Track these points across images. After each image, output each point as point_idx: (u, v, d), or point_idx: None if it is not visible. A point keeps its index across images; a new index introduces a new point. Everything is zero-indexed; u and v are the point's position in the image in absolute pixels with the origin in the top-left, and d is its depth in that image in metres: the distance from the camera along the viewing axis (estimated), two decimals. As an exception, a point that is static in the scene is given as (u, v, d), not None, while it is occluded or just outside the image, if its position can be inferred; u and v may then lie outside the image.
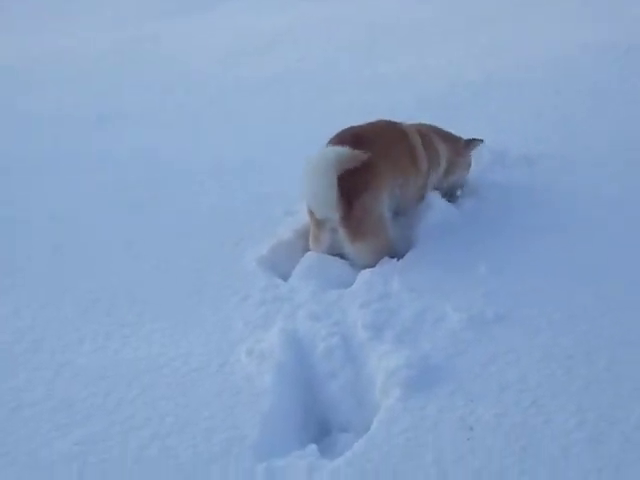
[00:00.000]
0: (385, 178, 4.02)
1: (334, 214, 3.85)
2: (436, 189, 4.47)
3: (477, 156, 4.86)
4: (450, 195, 4.55)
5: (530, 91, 6.13)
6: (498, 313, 3.49)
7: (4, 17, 10.04)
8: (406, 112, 4.60)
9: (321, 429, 3.25)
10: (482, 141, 4.68)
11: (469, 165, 4.67)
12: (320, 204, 3.88)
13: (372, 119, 4.33)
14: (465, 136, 4.65)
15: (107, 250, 4.39)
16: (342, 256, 4.03)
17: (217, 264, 4.14)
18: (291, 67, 7.38)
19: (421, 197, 4.36)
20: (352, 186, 3.82)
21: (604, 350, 3.20)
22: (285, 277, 4.01)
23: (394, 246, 4.05)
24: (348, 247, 3.95)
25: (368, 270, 3.89)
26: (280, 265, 4.13)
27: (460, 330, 3.41)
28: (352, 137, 4.02)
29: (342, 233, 3.91)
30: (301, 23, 8.70)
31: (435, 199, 4.36)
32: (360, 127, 4.22)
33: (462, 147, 4.59)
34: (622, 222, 4.13)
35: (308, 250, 4.13)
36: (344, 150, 3.83)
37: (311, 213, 4.00)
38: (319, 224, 3.99)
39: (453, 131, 4.64)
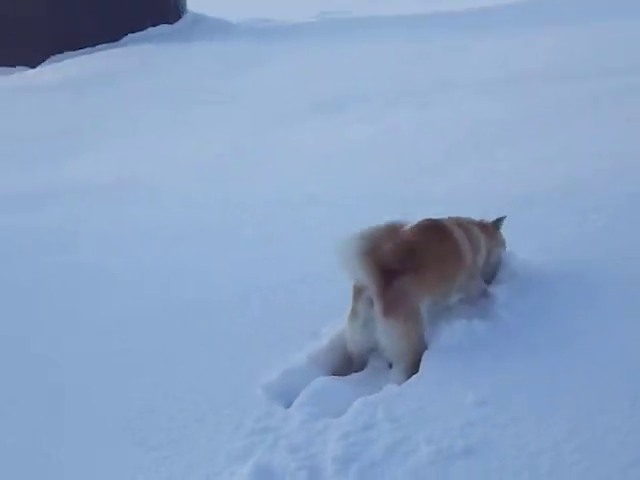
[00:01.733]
0: (427, 286, 4.23)
1: (368, 281, 4.03)
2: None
3: (507, 276, 4.84)
4: (492, 276, 4.84)
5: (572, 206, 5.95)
6: (468, 446, 3.46)
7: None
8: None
9: None
10: (505, 217, 4.99)
11: (503, 242, 4.96)
12: (353, 269, 4.06)
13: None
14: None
15: (140, 365, 4.61)
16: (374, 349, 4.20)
17: (228, 389, 4.23)
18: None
19: (474, 287, 4.61)
20: (397, 267, 4.05)
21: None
22: (289, 404, 4.08)
23: (423, 346, 4.17)
24: (380, 321, 4.06)
25: (362, 398, 3.93)
26: (287, 391, 4.20)
27: (426, 464, 3.41)
28: (403, 250, 4.19)
29: (376, 305, 4.05)
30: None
31: (446, 322, 4.36)
32: (409, 234, 4.38)
33: (493, 230, 4.92)
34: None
35: (319, 376, 4.23)
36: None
37: (355, 287, 4.20)
38: (358, 293, 4.17)
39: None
